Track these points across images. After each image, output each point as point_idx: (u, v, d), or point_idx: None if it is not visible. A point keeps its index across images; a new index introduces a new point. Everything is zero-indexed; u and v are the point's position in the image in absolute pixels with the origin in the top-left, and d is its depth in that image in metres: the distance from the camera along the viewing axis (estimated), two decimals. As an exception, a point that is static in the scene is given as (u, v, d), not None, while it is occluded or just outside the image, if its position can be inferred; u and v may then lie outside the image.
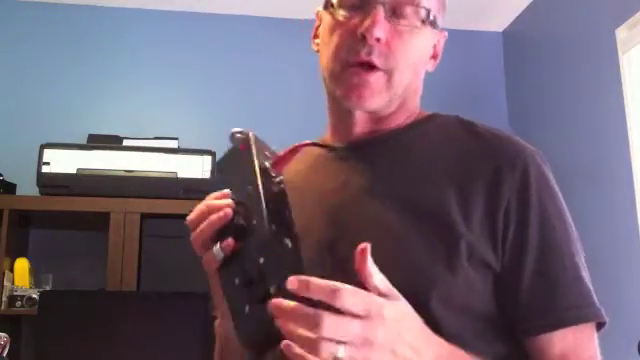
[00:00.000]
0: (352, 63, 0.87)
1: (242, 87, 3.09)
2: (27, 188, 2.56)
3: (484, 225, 0.82)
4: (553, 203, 0.85)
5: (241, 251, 0.76)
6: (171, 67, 3.08)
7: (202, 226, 0.78)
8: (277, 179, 0.81)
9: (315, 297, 0.66)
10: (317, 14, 0.98)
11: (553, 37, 2.95)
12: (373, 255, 0.78)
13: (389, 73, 0.87)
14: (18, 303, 2.40)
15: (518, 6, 3.16)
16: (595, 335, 0.84)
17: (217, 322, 0.94)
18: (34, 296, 2.40)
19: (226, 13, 3.15)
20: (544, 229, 0.83)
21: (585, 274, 0.84)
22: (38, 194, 2.52)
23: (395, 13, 0.87)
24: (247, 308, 0.74)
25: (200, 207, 0.79)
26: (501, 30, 3.39)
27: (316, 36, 0.98)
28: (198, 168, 2.56)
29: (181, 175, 2.55)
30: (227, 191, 0.79)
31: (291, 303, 0.67)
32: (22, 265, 2.52)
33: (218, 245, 0.76)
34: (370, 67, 0.87)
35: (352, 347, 0.66)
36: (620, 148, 2.37)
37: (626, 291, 2.25)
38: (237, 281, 0.75)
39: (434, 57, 0.97)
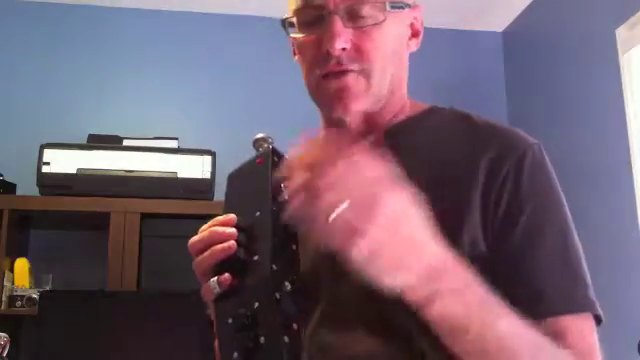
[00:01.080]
0: (325, 75, 0.87)
1: (242, 87, 3.09)
2: (27, 188, 2.56)
3: (479, 215, 0.81)
4: (548, 192, 0.84)
5: (239, 287, 0.73)
6: (171, 67, 3.08)
7: (204, 255, 0.75)
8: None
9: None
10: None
11: (553, 37, 2.95)
12: None
13: (366, 74, 0.86)
14: (18, 303, 2.40)
15: (518, 6, 3.16)
16: (592, 328, 0.80)
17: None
18: (34, 296, 2.40)
19: (226, 13, 3.15)
20: (535, 217, 0.81)
21: (577, 265, 0.81)
22: (38, 194, 2.52)
23: (354, 15, 0.85)
24: (235, 355, 0.71)
25: (204, 233, 0.76)
26: (501, 30, 3.39)
27: (295, 53, 0.97)
28: (198, 168, 2.56)
29: (181, 175, 2.55)
30: (233, 217, 0.76)
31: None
32: (22, 265, 2.52)
33: (216, 278, 0.73)
34: (344, 71, 0.86)
35: (354, 208, 0.61)
36: (620, 148, 2.37)
37: (626, 291, 2.25)
38: (230, 321, 0.73)
39: (415, 35, 0.94)
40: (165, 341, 2.23)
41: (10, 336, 1.78)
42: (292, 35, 0.91)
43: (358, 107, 0.88)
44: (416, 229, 0.67)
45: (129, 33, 3.09)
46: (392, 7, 0.87)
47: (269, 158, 0.78)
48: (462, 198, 0.82)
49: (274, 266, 0.71)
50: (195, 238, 0.77)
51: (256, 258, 0.73)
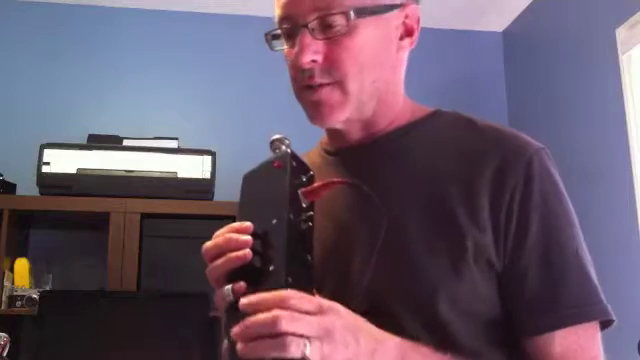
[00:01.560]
0: (302, 89, 0.88)
1: (242, 87, 3.09)
2: (27, 188, 2.56)
3: (489, 223, 0.81)
4: (557, 200, 0.84)
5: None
6: (171, 67, 3.07)
7: (219, 262, 0.74)
8: (307, 214, 0.76)
9: (267, 309, 0.66)
10: None
11: (553, 37, 2.95)
12: (376, 261, 0.78)
13: (340, 84, 0.85)
14: (18, 303, 2.40)
15: (518, 6, 3.16)
16: (598, 334, 0.82)
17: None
18: (34, 296, 2.40)
19: (226, 13, 3.15)
20: (546, 226, 0.82)
21: (590, 271, 0.82)
22: (38, 194, 2.51)
23: (325, 26, 0.84)
24: None
25: (219, 239, 0.76)
26: (501, 30, 3.39)
27: None
28: (198, 168, 2.56)
29: (181, 175, 2.55)
30: (250, 225, 0.75)
31: (246, 321, 0.67)
32: (22, 265, 2.52)
33: (230, 286, 0.72)
34: (318, 85, 0.86)
35: (316, 340, 0.66)
36: (620, 148, 2.37)
37: (626, 291, 2.25)
38: None
39: (408, 34, 0.91)
40: (165, 341, 2.23)
41: (10, 336, 1.78)
42: (276, 48, 0.91)
43: (335, 118, 0.88)
44: (370, 331, 0.72)
45: (129, 33, 3.09)
46: (362, 13, 0.85)
47: (288, 163, 0.77)
48: (467, 206, 0.82)
49: (289, 279, 0.70)
50: (210, 244, 0.76)
51: (271, 268, 0.72)
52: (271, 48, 0.92)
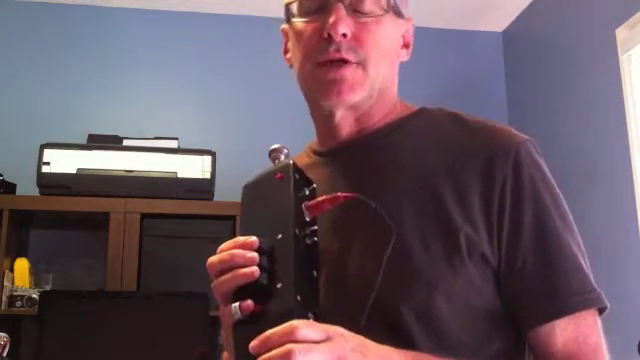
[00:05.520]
0: (323, 62, 0.87)
1: (242, 87, 3.09)
2: (27, 188, 2.56)
3: (481, 218, 0.81)
4: (547, 190, 0.85)
5: (260, 315, 0.71)
6: (171, 67, 3.07)
7: (225, 278, 0.73)
8: (311, 228, 0.75)
9: (278, 344, 0.66)
10: (282, 31, 0.98)
11: (553, 37, 2.95)
12: (372, 260, 0.78)
13: (363, 65, 0.87)
14: (18, 303, 2.40)
15: (518, 6, 3.16)
16: (598, 321, 0.83)
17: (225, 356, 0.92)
18: (34, 296, 2.40)
19: (226, 13, 3.15)
20: (539, 218, 0.82)
21: (583, 260, 0.83)
22: (38, 194, 2.52)
23: (356, 8, 0.88)
24: None
25: (224, 255, 0.74)
26: (501, 30, 3.39)
27: (286, 51, 0.98)
28: (198, 168, 2.57)
29: (181, 175, 2.55)
30: (255, 240, 0.73)
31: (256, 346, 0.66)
32: (22, 265, 2.52)
33: (237, 304, 0.71)
34: (342, 62, 0.87)
35: None
36: (620, 148, 2.37)
37: (626, 291, 2.25)
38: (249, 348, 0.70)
39: (406, 46, 0.97)
40: (165, 341, 2.23)
41: (10, 336, 1.78)
42: (294, 20, 0.91)
43: (353, 96, 0.88)
44: (376, 348, 0.72)
45: (129, 33, 3.09)
46: (393, 7, 0.89)
47: (291, 176, 0.76)
48: (458, 202, 0.82)
49: (299, 297, 0.70)
50: (215, 259, 0.75)
51: (279, 286, 0.71)
52: (288, 20, 0.93)
